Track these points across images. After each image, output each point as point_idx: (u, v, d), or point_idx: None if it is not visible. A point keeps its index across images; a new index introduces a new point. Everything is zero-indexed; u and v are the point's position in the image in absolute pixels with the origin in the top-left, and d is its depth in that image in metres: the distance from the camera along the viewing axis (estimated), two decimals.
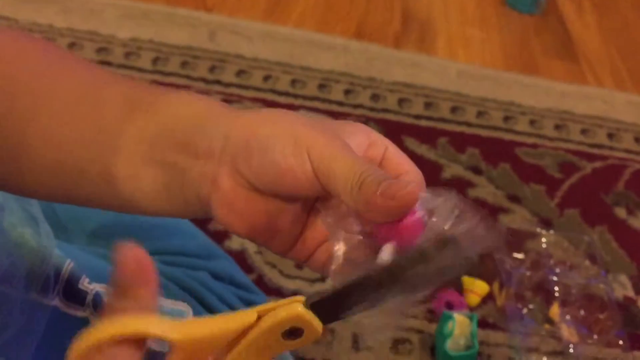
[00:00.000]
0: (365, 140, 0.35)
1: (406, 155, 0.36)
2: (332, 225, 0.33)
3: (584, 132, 1.21)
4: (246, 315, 0.29)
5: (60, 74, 0.38)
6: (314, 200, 0.35)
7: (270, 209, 0.34)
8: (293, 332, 0.29)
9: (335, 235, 0.32)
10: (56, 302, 0.50)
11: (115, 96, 0.37)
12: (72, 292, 0.51)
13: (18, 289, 0.47)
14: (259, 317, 0.29)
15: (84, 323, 0.51)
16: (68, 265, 0.52)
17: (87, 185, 0.37)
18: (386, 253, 0.30)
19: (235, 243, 0.90)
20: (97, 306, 0.51)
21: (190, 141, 0.34)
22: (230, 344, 0.29)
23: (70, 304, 0.51)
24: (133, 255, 0.28)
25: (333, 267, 0.31)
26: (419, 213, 0.30)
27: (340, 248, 0.32)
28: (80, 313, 0.51)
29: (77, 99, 0.37)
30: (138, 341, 0.27)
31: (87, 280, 0.52)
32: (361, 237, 0.32)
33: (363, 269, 0.29)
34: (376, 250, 0.31)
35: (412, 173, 0.35)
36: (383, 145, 0.35)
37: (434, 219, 0.30)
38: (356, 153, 0.33)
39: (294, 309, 0.28)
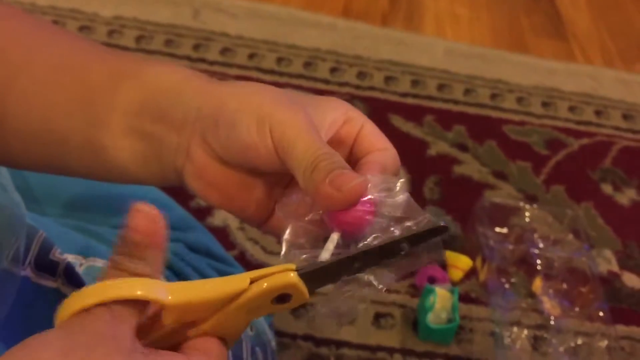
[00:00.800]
0: (341, 117, 0.35)
1: (383, 135, 0.35)
2: (284, 211, 0.33)
3: (571, 109, 1.20)
4: (239, 280, 0.29)
5: (39, 42, 0.38)
6: (290, 175, 0.35)
7: (242, 181, 0.34)
8: (282, 298, 0.30)
9: (286, 222, 0.32)
10: (27, 272, 0.50)
11: (99, 65, 0.37)
12: (43, 262, 0.51)
13: None
14: (251, 282, 0.29)
15: (55, 293, 0.51)
16: (40, 236, 0.52)
17: (71, 154, 0.37)
18: (331, 243, 0.31)
19: (217, 219, 0.90)
20: (69, 276, 0.51)
21: (168, 112, 0.34)
22: (220, 307, 0.30)
23: (41, 274, 0.50)
24: (147, 215, 0.28)
25: (282, 253, 0.32)
26: (368, 205, 0.31)
27: (287, 235, 0.32)
28: (51, 283, 0.51)
29: (57, 67, 0.37)
30: (136, 302, 0.27)
31: (58, 251, 0.52)
32: (308, 225, 0.32)
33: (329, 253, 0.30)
34: (323, 237, 0.32)
35: (386, 151, 0.35)
36: (359, 123, 0.35)
37: (384, 212, 0.31)
38: (319, 135, 0.32)
39: (288, 277, 0.29)
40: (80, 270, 0.53)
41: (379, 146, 0.35)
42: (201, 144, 0.33)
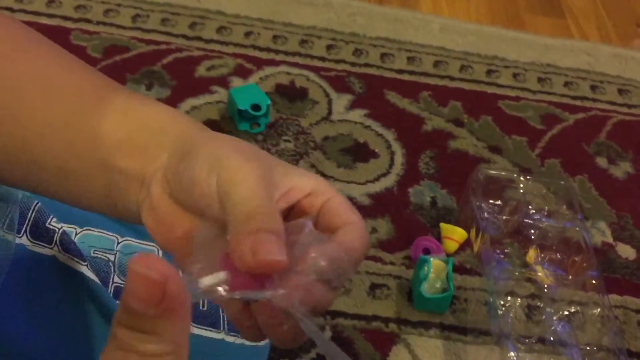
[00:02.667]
0: (307, 186, 0.33)
1: (353, 207, 0.33)
2: (198, 237, 0.32)
3: (567, 84, 1.21)
4: None
5: (30, 61, 0.37)
6: None
7: (188, 225, 0.33)
8: None
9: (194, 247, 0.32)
10: (23, 240, 0.51)
11: (90, 92, 0.36)
12: (39, 231, 0.51)
13: None
14: None
15: (52, 260, 0.52)
16: (35, 205, 0.53)
17: (45, 177, 0.37)
18: (214, 278, 0.29)
19: None
20: (65, 245, 0.52)
21: (146, 149, 0.34)
22: None
23: (37, 242, 0.51)
24: (146, 279, 0.21)
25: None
26: (269, 282, 0.28)
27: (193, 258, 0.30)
28: (47, 251, 0.51)
29: (46, 89, 0.36)
30: None
31: (54, 220, 0.53)
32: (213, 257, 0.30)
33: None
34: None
35: (354, 225, 0.32)
36: (326, 196, 0.33)
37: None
38: (268, 191, 0.31)
39: None
40: (75, 239, 0.54)
41: (347, 219, 0.32)
42: (161, 179, 0.33)
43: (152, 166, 0.34)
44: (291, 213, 0.34)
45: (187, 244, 0.33)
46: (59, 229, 0.53)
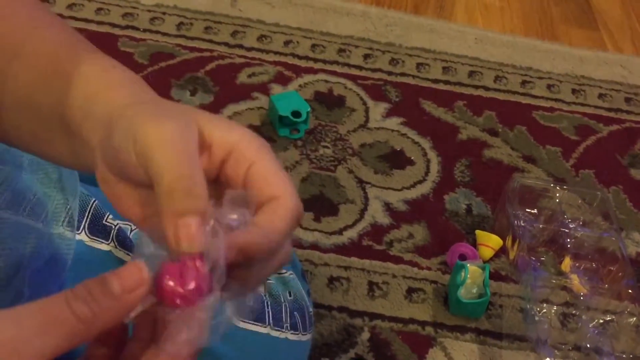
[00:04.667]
0: (227, 141, 0.31)
1: (278, 172, 0.31)
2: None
3: (601, 96, 1.22)
4: None
5: (34, 30, 0.39)
6: None
7: (137, 194, 0.33)
8: None
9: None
10: (82, 236, 0.53)
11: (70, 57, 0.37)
12: (97, 227, 0.54)
13: (44, 223, 0.51)
14: None
15: (109, 255, 0.54)
16: (93, 202, 0.56)
17: (20, 139, 0.39)
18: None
19: None
20: (121, 240, 0.55)
21: (90, 115, 0.34)
22: None
23: (95, 238, 0.54)
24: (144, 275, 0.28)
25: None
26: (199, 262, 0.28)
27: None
28: (104, 246, 0.54)
29: (44, 55, 0.38)
30: None
31: (110, 216, 0.56)
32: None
33: None
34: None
35: (276, 202, 0.31)
36: (248, 160, 0.31)
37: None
38: (188, 151, 0.30)
39: None
40: (130, 235, 0.57)
41: (268, 193, 0.31)
42: (99, 151, 0.33)
43: (95, 139, 0.33)
44: (218, 181, 0.33)
45: (141, 211, 0.33)
46: (115, 226, 0.56)
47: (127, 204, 0.34)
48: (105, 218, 0.56)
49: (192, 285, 0.28)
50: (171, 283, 0.28)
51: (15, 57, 0.38)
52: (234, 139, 0.32)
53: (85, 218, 0.55)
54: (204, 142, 0.32)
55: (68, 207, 0.53)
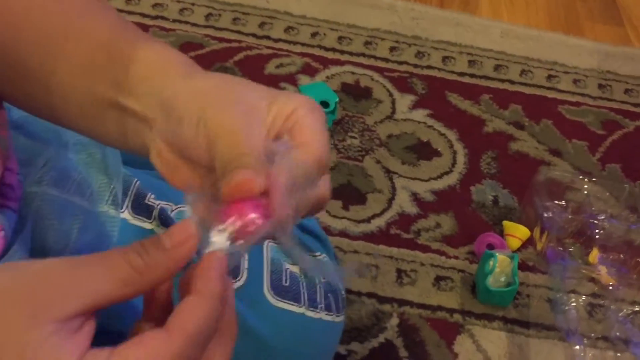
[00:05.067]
0: (288, 109, 0.34)
1: (318, 128, 0.34)
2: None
3: (627, 91, 1.22)
4: None
5: (86, 15, 0.40)
6: None
7: (191, 170, 0.35)
8: None
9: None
10: (125, 214, 0.55)
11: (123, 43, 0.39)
12: (139, 206, 0.56)
13: (89, 201, 0.52)
14: None
15: (151, 233, 0.56)
16: (135, 183, 0.57)
17: (64, 114, 0.40)
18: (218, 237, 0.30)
19: None
20: (163, 219, 0.56)
21: (143, 95, 0.36)
22: None
23: (138, 217, 0.55)
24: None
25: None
26: (259, 222, 0.30)
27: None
28: (147, 225, 0.56)
29: (97, 41, 0.39)
30: None
31: (153, 196, 0.57)
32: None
33: None
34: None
35: (310, 145, 0.33)
36: (298, 115, 0.34)
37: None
38: (252, 135, 0.32)
39: None
40: (172, 214, 0.58)
41: (301, 139, 0.33)
42: (161, 131, 0.35)
43: (155, 116, 0.35)
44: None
45: (195, 184, 0.35)
46: (157, 205, 0.57)
47: (181, 178, 0.35)
48: (147, 198, 0.57)
49: (255, 214, 0.30)
50: (232, 220, 0.30)
51: (69, 38, 0.40)
52: (291, 107, 0.34)
53: (128, 198, 0.56)
54: (268, 119, 0.34)
55: (112, 186, 0.55)
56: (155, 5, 1.23)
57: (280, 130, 0.34)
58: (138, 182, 0.58)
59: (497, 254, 0.83)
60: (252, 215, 0.30)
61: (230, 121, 0.32)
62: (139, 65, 0.37)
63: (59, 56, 0.40)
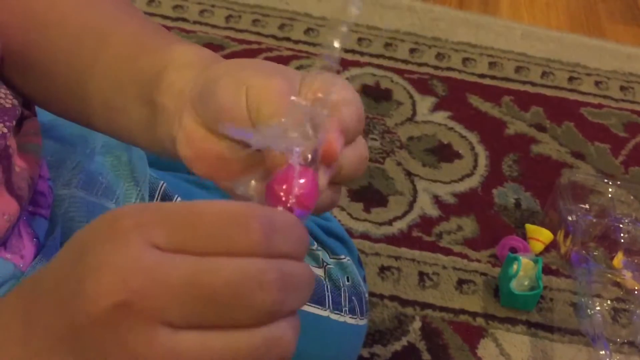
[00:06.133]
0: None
1: (352, 95, 0.35)
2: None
3: None
4: None
5: (119, 18, 0.42)
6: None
7: (224, 152, 0.34)
8: None
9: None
10: None
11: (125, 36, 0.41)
12: None
13: (117, 204, 0.53)
14: None
15: None
16: (162, 185, 0.57)
17: (90, 109, 0.41)
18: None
19: None
20: None
21: (173, 84, 0.36)
22: None
23: None
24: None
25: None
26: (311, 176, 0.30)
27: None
28: None
29: (129, 44, 0.41)
30: None
31: (179, 198, 0.58)
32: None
33: None
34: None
35: (349, 106, 0.34)
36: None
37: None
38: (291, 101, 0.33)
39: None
40: None
41: (342, 97, 0.34)
42: (190, 111, 0.34)
43: (179, 100, 0.35)
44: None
45: (224, 168, 0.35)
46: None
47: (207, 163, 0.35)
48: (174, 199, 0.58)
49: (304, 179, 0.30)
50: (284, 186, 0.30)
51: (104, 44, 0.41)
52: (320, 80, 0.35)
53: (155, 200, 0.56)
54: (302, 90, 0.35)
55: (138, 189, 0.55)
56: (175, 7, 1.23)
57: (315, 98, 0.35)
58: (165, 184, 0.58)
59: (521, 257, 0.83)
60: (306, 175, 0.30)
61: (276, 85, 0.32)
62: (173, 55, 0.38)
63: (94, 62, 0.41)
